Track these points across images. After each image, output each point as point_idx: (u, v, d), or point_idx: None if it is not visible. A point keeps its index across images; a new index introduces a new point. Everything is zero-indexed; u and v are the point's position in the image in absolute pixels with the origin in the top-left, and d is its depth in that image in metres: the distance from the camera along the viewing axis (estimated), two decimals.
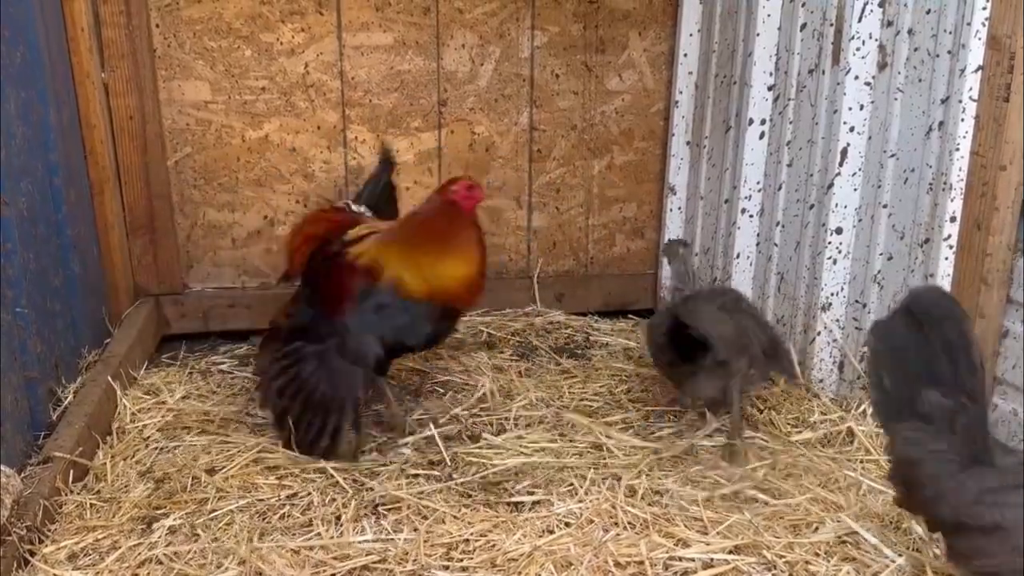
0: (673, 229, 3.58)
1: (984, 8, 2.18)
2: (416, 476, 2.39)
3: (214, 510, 2.21)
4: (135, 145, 3.15)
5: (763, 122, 3.10)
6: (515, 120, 3.47)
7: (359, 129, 3.36)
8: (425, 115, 3.40)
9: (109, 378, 2.69)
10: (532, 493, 2.30)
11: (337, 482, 2.33)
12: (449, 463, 2.46)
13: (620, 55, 3.47)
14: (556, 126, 3.51)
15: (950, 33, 2.32)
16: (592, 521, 2.17)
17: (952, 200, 2.31)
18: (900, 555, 2.04)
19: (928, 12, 2.41)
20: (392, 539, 2.11)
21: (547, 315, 3.55)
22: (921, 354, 1.71)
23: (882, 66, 2.60)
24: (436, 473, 2.41)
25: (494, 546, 2.09)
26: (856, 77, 2.65)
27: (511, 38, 3.38)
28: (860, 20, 2.61)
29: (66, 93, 2.82)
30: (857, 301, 2.74)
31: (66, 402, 2.55)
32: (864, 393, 2.72)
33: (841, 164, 2.71)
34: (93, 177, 3.00)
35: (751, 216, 3.19)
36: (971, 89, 2.24)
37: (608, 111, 3.53)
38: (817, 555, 2.06)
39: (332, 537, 2.11)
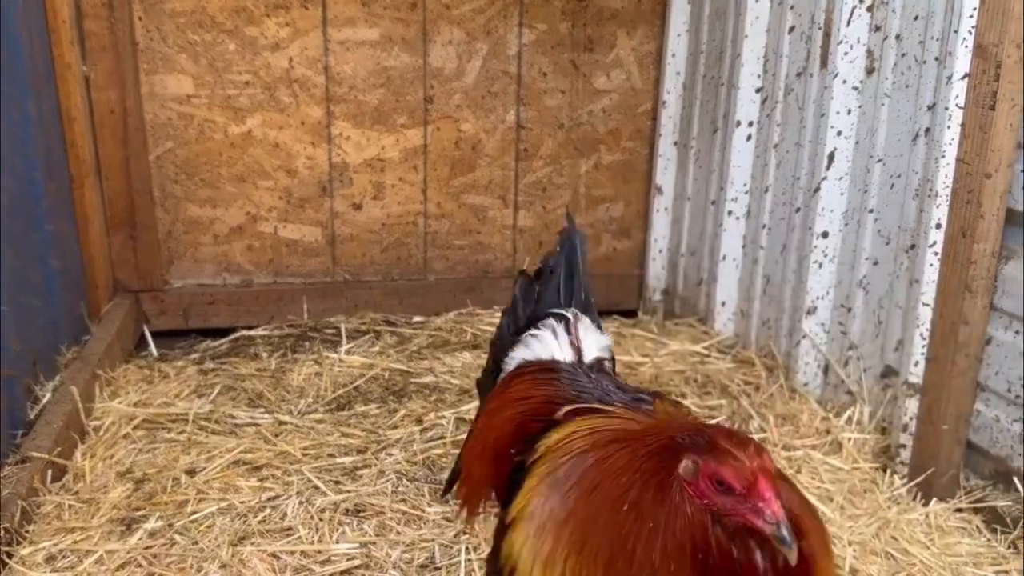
0: (660, 229, 3.58)
1: (971, 16, 2.18)
2: (400, 477, 2.38)
3: (194, 512, 2.19)
4: (116, 139, 3.11)
5: (750, 124, 3.10)
6: (502, 118, 3.45)
7: (344, 125, 3.33)
8: (411, 112, 3.37)
9: (88, 376, 2.66)
10: None
11: (318, 486, 2.31)
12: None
13: (608, 54, 3.46)
14: (543, 125, 3.49)
15: (937, 40, 2.32)
16: None
17: (938, 207, 2.31)
18: None
19: (916, 18, 2.41)
20: (374, 542, 2.10)
21: None
22: None
23: (870, 71, 2.60)
24: (417, 477, 2.40)
25: (475, 548, 2.08)
26: (844, 81, 2.65)
27: (499, 35, 3.35)
28: (848, 24, 2.61)
29: (47, 86, 2.78)
30: (842, 305, 2.74)
31: (44, 400, 2.52)
32: (849, 397, 2.73)
33: (828, 168, 2.71)
34: (73, 171, 2.95)
35: (737, 218, 3.19)
36: (957, 96, 2.24)
37: (595, 110, 3.52)
38: None
39: (312, 541, 2.09)
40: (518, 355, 1.73)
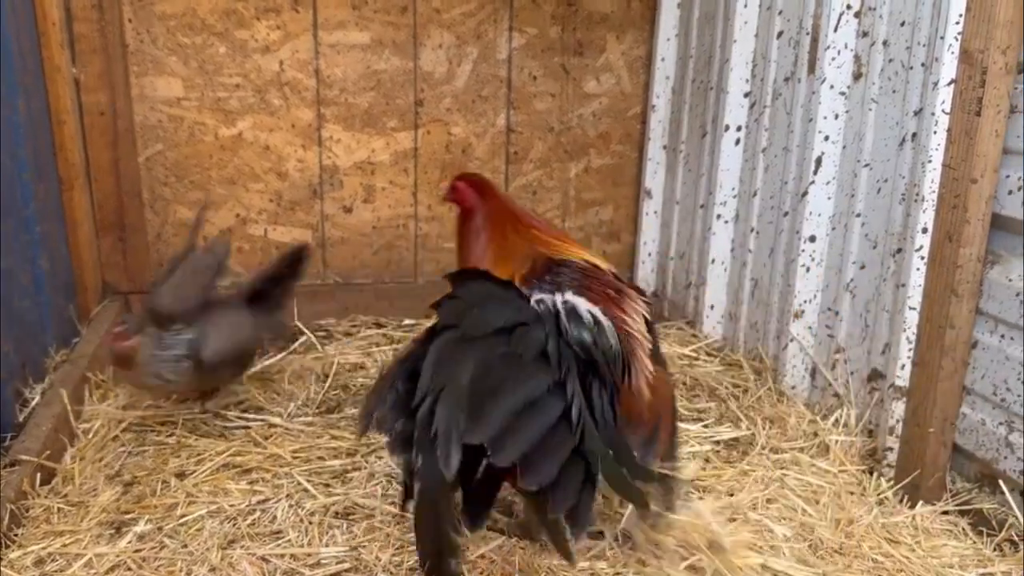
0: (649, 233, 3.59)
1: (957, 23, 2.20)
2: (390, 480, 2.38)
3: (184, 515, 2.18)
4: (106, 141, 3.11)
5: (739, 128, 3.12)
6: (492, 122, 3.46)
7: (334, 128, 3.34)
8: (401, 115, 3.38)
9: (77, 378, 2.65)
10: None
11: (307, 489, 2.31)
12: None
13: (598, 58, 3.47)
14: (533, 128, 3.50)
15: (924, 46, 2.35)
16: None
17: (924, 211, 2.33)
18: None
19: (903, 24, 2.43)
20: (364, 545, 2.10)
21: None
22: None
23: (857, 76, 2.62)
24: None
25: (464, 549, 2.08)
26: (831, 86, 2.67)
27: (489, 39, 3.37)
28: (836, 30, 2.63)
29: (36, 88, 2.78)
30: (830, 309, 2.76)
31: (33, 403, 2.51)
32: (836, 400, 2.75)
33: (816, 172, 2.73)
34: (63, 173, 2.95)
35: (726, 222, 3.21)
36: (944, 102, 2.26)
37: (585, 114, 3.53)
38: None
39: (302, 544, 2.09)
40: None
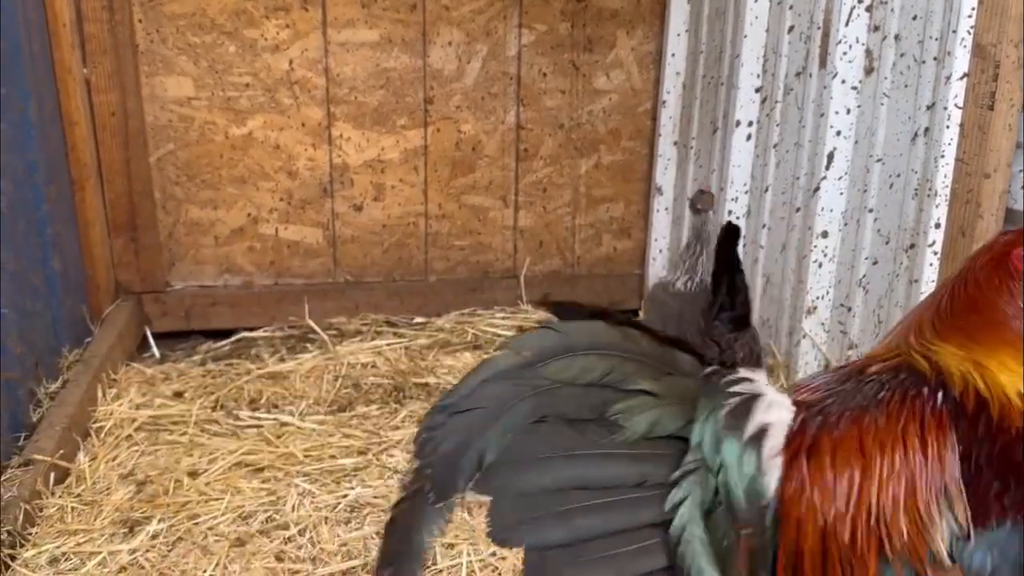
0: (660, 230, 3.58)
1: (969, 16, 2.18)
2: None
3: (196, 514, 2.20)
4: (117, 142, 3.12)
5: (750, 124, 3.10)
6: (502, 119, 3.45)
7: (344, 126, 3.34)
8: (411, 113, 3.38)
9: (90, 378, 2.67)
10: None
11: (319, 487, 2.32)
12: None
13: (608, 54, 3.46)
14: (543, 125, 3.49)
15: (936, 40, 2.33)
16: None
17: (937, 206, 2.32)
18: None
19: (914, 18, 2.41)
20: (375, 542, 2.11)
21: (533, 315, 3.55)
22: None
23: (868, 71, 2.60)
24: None
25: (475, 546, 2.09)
26: (843, 81, 2.65)
27: (498, 36, 3.36)
28: (847, 24, 2.61)
29: (47, 89, 2.79)
30: (842, 305, 2.75)
31: (46, 403, 2.53)
32: None
33: (827, 168, 2.72)
34: (74, 174, 2.96)
35: (737, 218, 3.19)
36: (956, 96, 2.24)
37: (595, 110, 3.52)
38: None
39: (315, 543, 2.10)
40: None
